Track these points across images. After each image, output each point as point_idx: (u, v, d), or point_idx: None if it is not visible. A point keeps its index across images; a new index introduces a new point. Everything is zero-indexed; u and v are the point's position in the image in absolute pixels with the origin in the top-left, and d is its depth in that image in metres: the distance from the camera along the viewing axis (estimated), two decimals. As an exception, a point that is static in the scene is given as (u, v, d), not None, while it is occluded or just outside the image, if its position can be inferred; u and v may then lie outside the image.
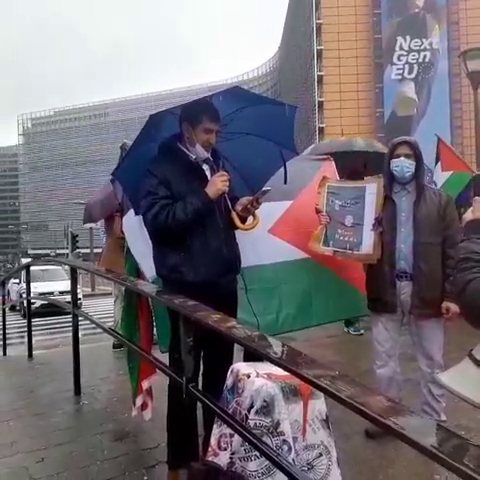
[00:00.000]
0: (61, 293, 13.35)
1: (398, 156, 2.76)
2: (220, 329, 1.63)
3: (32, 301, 6.54)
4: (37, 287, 12.17)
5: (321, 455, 1.81)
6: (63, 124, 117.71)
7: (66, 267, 12.48)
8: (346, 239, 2.98)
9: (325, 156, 3.70)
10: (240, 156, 2.58)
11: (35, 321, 8.11)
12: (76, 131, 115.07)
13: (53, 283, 14.28)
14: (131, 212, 2.66)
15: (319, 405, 1.83)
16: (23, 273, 8.74)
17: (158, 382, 2.79)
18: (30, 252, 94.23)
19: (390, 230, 2.77)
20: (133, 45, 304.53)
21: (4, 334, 6.39)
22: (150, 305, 2.84)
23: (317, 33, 50.52)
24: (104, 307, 13.69)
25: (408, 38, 48.56)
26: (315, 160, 3.70)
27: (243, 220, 2.35)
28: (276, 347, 1.46)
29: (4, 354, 6.10)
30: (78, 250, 26.82)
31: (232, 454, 1.76)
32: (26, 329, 5.44)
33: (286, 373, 1.41)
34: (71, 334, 3.85)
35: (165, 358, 2.35)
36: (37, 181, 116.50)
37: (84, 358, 3.84)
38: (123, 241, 4.86)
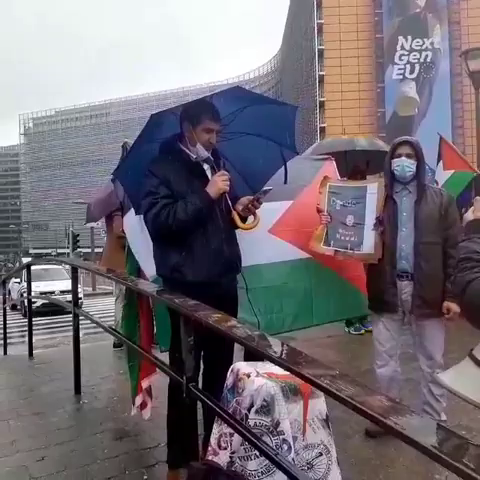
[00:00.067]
0: (62, 292, 13.38)
1: (399, 156, 2.76)
2: (220, 328, 1.63)
3: (33, 300, 6.56)
4: (38, 286, 12.21)
5: (321, 454, 1.81)
6: (64, 124, 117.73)
7: (67, 266, 12.51)
8: (347, 239, 2.98)
9: (326, 156, 3.70)
10: (241, 156, 2.58)
11: (36, 320, 8.14)
12: (77, 131, 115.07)
13: (54, 282, 14.31)
14: (132, 211, 2.67)
15: (319, 404, 1.83)
16: (24, 272, 8.76)
17: (158, 381, 2.79)
18: (31, 251, 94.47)
19: (391, 230, 2.77)
20: (134, 45, 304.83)
21: (5, 333, 6.40)
22: (151, 304, 2.84)
23: (318, 33, 50.47)
24: (105, 306, 13.72)
25: (409, 38, 48.48)
26: (316, 160, 3.69)
27: (244, 220, 2.35)
28: (276, 346, 1.46)
29: (5, 353, 6.10)
30: (79, 249, 26.88)
31: (232, 453, 1.76)
32: (27, 328, 5.44)
33: (286, 372, 1.41)
34: (72, 333, 3.86)
35: (165, 357, 2.36)
36: (38, 181, 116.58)
37: (85, 357, 3.84)
38: (123, 240, 4.87)
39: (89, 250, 28.08)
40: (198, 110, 2.27)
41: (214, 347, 2.23)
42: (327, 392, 1.16)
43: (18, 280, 15.51)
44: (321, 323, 3.28)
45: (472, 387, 1.17)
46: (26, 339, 5.68)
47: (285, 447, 1.69)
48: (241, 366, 1.93)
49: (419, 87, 48.58)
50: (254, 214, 2.35)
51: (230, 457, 1.75)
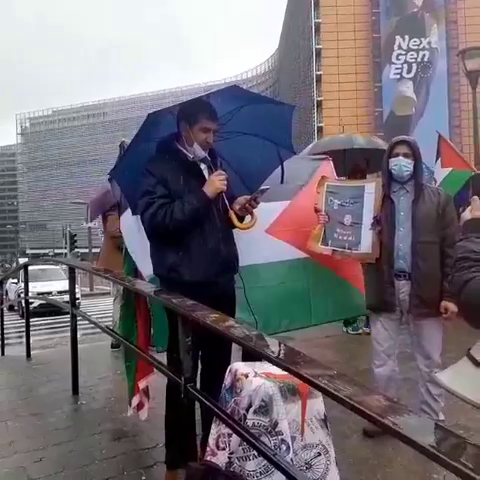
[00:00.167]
0: (59, 293, 13.35)
1: (396, 155, 2.76)
2: (218, 328, 1.63)
3: (30, 301, 6.54)
4: (35, 287, 12.17)
5: (319, 454, 1.81)
6: (61, 124, 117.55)
7: (64, 267, 12.48)
8: (345, 238, 2.98)
9: (323, 156, 3.70)
10: (237, 156, 2.58)
11: (33, 321, 8.11)
12: (74, 130, 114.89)
13: (51, 283, 14.27)
14: (128, 211, 2.66)
15: (317, 404, 1.83)
16: (21, 273, 8.74)
17: (155, 382, 2.79)
18: (28, 252, 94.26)
19: (389, 229, 2.77)
20: (134, 45, 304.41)
21: (2, 334, 6.37)
22: (148, 304, 2.83)
23: (316, 32, 50.55)
24: (102, 307, 13.70)
25: (407, 37, 48.60)
26: (313, 160, 3.69)
27: (241, 219, 2.35)
28: (274, 346, 1.45)
29: (2, 354, 6.08)
30: (76, 250, 26.82)
31: (230, 454, 1.75)
32: (24, 329, 5.43)
33: (284, 373, 1.41)
34: (69, 334, 3.85)
35: (162, 358, 2.35)
36: (35, 181, 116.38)
37: (82, 358, 3.83)
38: (118, 240, 4.86)
39: (86, 250, 28.05)
40: (195, 109, 2.26)
41: (212, 347, 2.23)
42: (325, 392, 1.16)
43: (15, 280, 15.47)
44: (320, 323, 3.28)
45: (470, 386, 1.17)
46: (24, 340, 5.67)
47: (283, 447, 1.68)
48: (239, 366, 1.93)
49: (416, 86, 48.69)
50: (251, 214, 2.35)
51: (228, 457, 1.75)
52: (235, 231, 2.41)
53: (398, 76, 48.93)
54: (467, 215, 1.39)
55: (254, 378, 1.79)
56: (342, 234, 3.00)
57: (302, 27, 55.35)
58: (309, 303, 3.13)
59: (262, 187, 2.31)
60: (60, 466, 2.53)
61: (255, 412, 1.72)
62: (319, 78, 50.55)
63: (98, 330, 3.83)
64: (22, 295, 9.81)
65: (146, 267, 2.58)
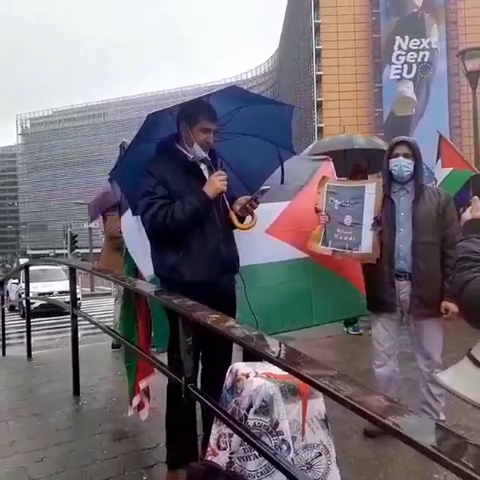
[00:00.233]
0: (60, 293, 13.35)
1: (396, 155, 2.77)
2: (219, 329, 1.63)
3: (31, 301, 6.54)
4: (36, 287, 12.16)
5: (320, 455, 1.81)
6: (62, 124, 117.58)
7: (65, 267, 12.47)
8: (345, 239, 2.98)
9: (323, 156, 3.70)
10: (237, 156, 2.58)
11: (34, 321, 8.10)
12: (75, 131, 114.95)
13: (52, 283, 14.26)
14: (129, 212, 2.66)
15: (318, 405, 1.83)
16: (22, 273, 8.74)
17: (156, 382, 2.79)
18: (29, 252, 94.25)
19: (389, 230, 2.77)
20: (134, 45, 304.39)
21: (3, 334, 6.38)
22: (148, 305, 2.83)
23: (316, 33, 50.55)
24: (103, 307, 13.71)
25: (407, 38, 48.60)
26: (313, 160, 3.69)
27: (241, 219, 2.35)
28: (275, 347, 1.46)
29: (3, 354, 6.09)
30: (77, 250, 26.84)
31: (231, 454, 1.76)
32: (25, 329, 5.43)
33: (285, 373, 1.41)
34: (70, 334, 3.85)
35: (162, 358, 2.35)
36: (36, 181, 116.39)
37: (83, 358, 3.84)
38: (117, 240, 4.86)
39: (87, 251, 28.05)
40: (195, 110, 2.27)
41: (213, 347, 2.23)
42: (326, 392, 1.16)
43: (16, 281, 15.48)
44: (321, 323, 3.27)
45: (471, 387, 1.17)
46: (25, 340, 5.67)
47: (284, 447, 1.69)
48: (240, 366, 1.93)
49: (416, 87, 48.69)
50: (252, 214, 2.35)
51: (229, 457, 1.75)
52: (235, 231, 2.41)
53: (398, 76, 48.93)
54: (467, 215, 1.39)
55: (255, 378, 1.79)
56: (342, 234, 3.00)
57: (302, 28, 55.36)
58: (310, 303, 3.13)
59: (262, 187, 2.31)
60: (61, 466, 2.53)
61: (256, 412, 1.72)
62: (319, 79, 50.55)
63: (99, 330, 3.84)
64: (23, 295, 9.81)
65: (146, 267, 2.58)
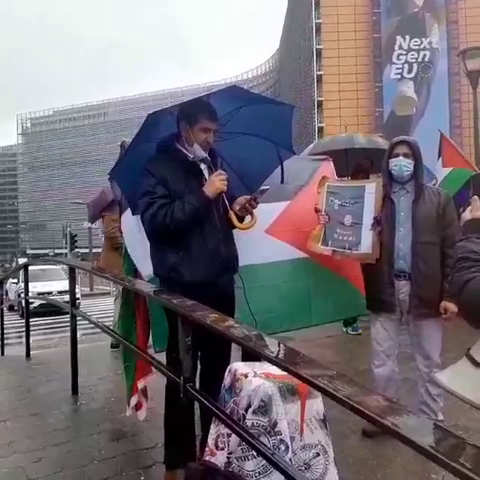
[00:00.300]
0: (60, 293, 13.35)
1: (397, 155, 2.76)
2: (218, 328, 1.63)
3: (30, 301, 6.54)
4: (35, 287, 12.18)
5: (318, 455, 1.81)
6: (62, 124, 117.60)
7: (64, 267, 12.48)
8: (345, 238, 2.98)
9: (323, 156, 3.69)
10: (237, 156, 2.58)
11: (33, 321, 8.10)
12: (75, 131, 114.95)
13: (51, 283, 14.28)
14: (129, 211, 2.66)
15: (317, 405, 1.83)
16: (21, 273, 8.75)
17: (154, 382, 2.79)
18: (29, 252, 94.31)
19: (389, 230, 2.77)
20: (134, 45, 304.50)
21: (2, 334, 6.37)
22: (147, 304, 2.83)
23: (316, 32, 50.54)
24: (102, 307, 13.70)
25: (407, 37, 48.60)
26: (313, 160, 3.68)
27: (241, 219, 2.35)
28: (274, 347, 1.45)
29: (2, 354, 6.08)
30: (77, 250, 26.84)
31: (229, 454, 1.75)
32: (24, 329, 5.43)
33: (284, 373, 1.41)
34: (69, 334, 3.85)
35: (161, 358, 2.35)
36: (36, 181, 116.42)
37: (82, 358, 3.83)
38: (116, 240, 4.85)
39: (87, 250, 28.07)
40: (195, 110, 2.26)
41: (211, 347, 2.23)
42: (324, 392, 1.15)
43: (15, 280, 15.48)
44: (320, 323, 3.27)
45: (469, 386, 1.17)
46: (23, 340, 5.66)
47: (282, 447, 1.68)
48: (239, 366, 1.93)
49: (417, 86, 48.69)
50: (251, 214, 2.35)
51: (227, 457, 1.75)
52: (235, 231, 2.41)
53: (399, 76, 48.92)
54: (467, 215, 1.39)
55: (253, 378, 1.79)
56: (342, 234, 2.99)
57: (303, 27, 55.36)
58: (309, 303, 3.13)
59: (262, 187, 2.30)
60: (59, 466, 2.53)
61: (254, 412, 1.72)
62: (320, 78, 50.54)
63: (98, 330, 3.84)
64: (22, 295, 9.81)
65: (146, 267, 2.58)
